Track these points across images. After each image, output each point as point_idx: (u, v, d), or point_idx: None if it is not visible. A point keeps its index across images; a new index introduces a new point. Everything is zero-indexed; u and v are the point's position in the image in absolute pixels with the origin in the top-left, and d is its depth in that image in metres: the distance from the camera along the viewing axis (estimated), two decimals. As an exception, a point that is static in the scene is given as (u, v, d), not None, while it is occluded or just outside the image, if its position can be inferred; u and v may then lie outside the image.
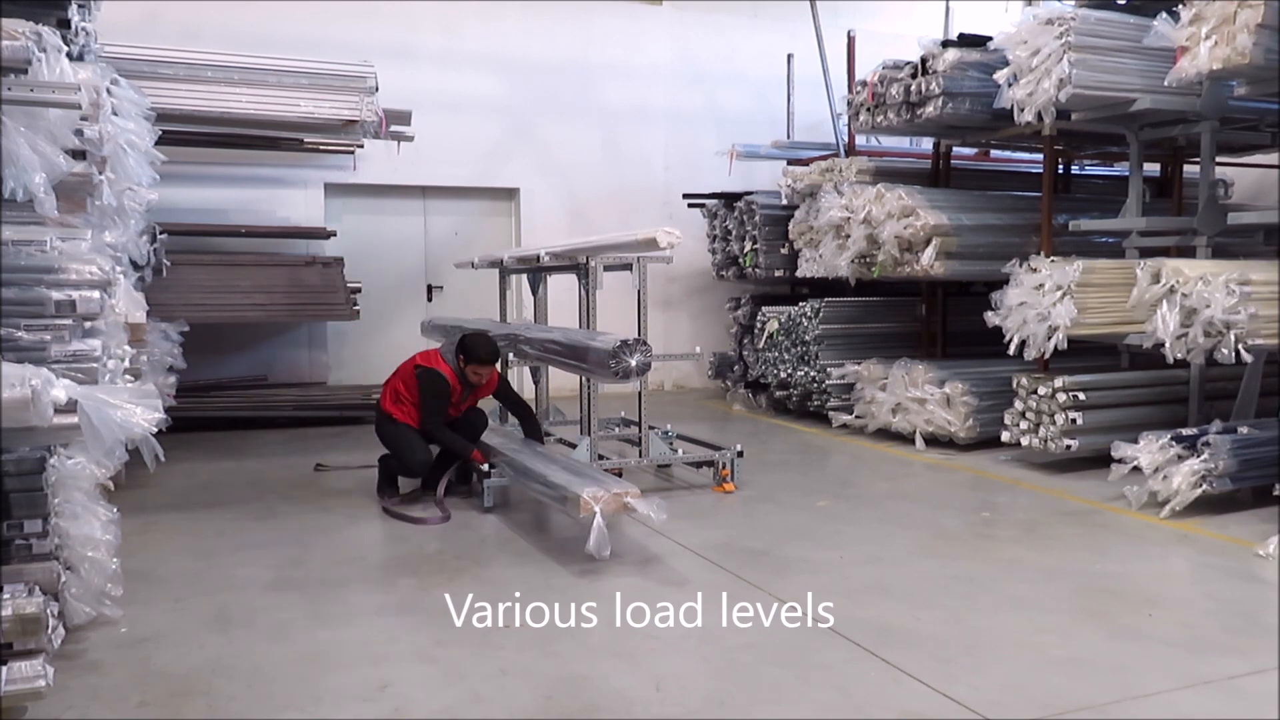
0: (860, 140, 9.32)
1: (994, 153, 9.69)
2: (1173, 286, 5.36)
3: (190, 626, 3.81)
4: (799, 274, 8.87)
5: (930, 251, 7.31)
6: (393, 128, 8.30)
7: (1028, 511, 5.63)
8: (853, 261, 7.93)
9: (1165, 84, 5.71)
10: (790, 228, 8.90)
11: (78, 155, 3.64)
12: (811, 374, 8.52)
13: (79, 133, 3.64)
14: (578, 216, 10.44)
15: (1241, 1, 5.14)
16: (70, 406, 2.83)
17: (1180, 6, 5.50)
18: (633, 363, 4.80)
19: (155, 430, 3.06)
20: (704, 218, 10.23)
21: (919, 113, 7.66)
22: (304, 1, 9.24)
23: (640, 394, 6.21)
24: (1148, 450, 5.48)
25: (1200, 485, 5.30)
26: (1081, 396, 6.39)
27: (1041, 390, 6.51)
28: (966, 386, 7.23)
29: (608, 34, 10.74)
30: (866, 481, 6.53)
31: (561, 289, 7.77)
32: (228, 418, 8.49)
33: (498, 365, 6.12)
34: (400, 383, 5.96)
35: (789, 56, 10.60)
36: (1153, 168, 8.94)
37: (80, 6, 4.66)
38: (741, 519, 5.51)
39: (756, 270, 9.42)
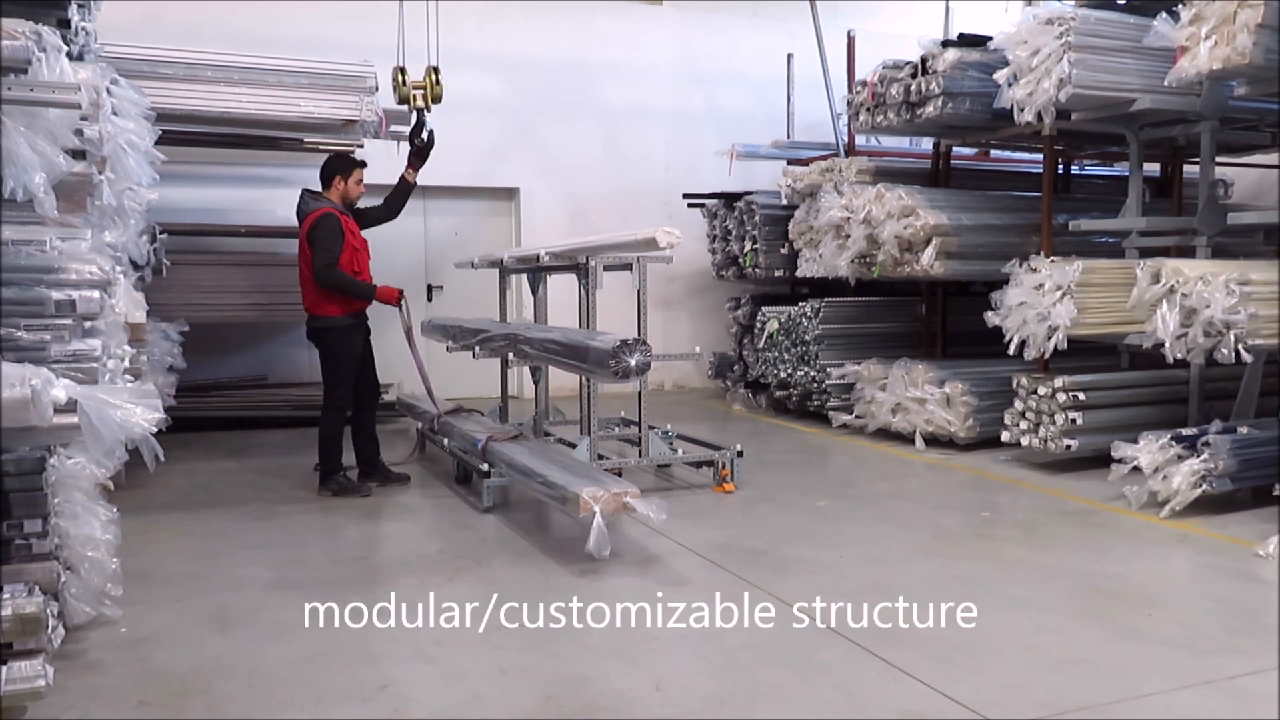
0: (860, 140, 9.32)
1: (994, 153, 9.69)
2: (1173, 286, 5.36)
3: (190, 626, 3.81)
4: (799, 274, 8.87)
5: (930, 251, 7.31)
6: (393, 128, 8.30)
7: (1028, 511, 5.63)
8: (853, 261, 7.93)
9: (1165, 84, 5.70)
10: (790, 228, 8.90)
11: (78, 155, 3.64)
12: (811, 374, 8.52)
13: (79, 133, 3.64)
14: (578, 216, 10.44)
15: (1241, 1, 5.13)
16: (70, 406, 2.83)
17: (1180, 6, 5.50)
18: (632, 363, 4.79)
19: (155, 430, 3.06)
20: (704, 218, 10.23)
21: (919, 113, 7.66)
22: (304, 1, 9.24)
23: (640, 394, 6.21)
24: (1148, 450, 5.48)
25: (1200, 485, 5.30)
26: (1081, 396, 6.40)
27: (1041, 390, 6.52)
28: (966, 386, 7.23)
29: (608, 34, 10.74)
30: (866, 481, 6.53)
31: (561, 289, 7.76)
32: (228, 418, 8.50)
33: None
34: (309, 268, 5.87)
35: (789, 56, 10.60)
36: (1153, 168, 8.94)
37: (80, 6, 4.66)
38: (741, 519, 5.51)
39: (756, 270, 9.42)
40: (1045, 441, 6.49)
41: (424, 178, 9.89)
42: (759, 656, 3.51)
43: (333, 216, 5.85)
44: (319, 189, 6.08)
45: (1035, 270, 6.44)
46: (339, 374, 5.99)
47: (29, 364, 2.86)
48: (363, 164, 6.18)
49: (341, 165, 6.09)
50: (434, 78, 6.29)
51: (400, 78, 6.25)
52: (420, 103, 6.26)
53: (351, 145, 8.74)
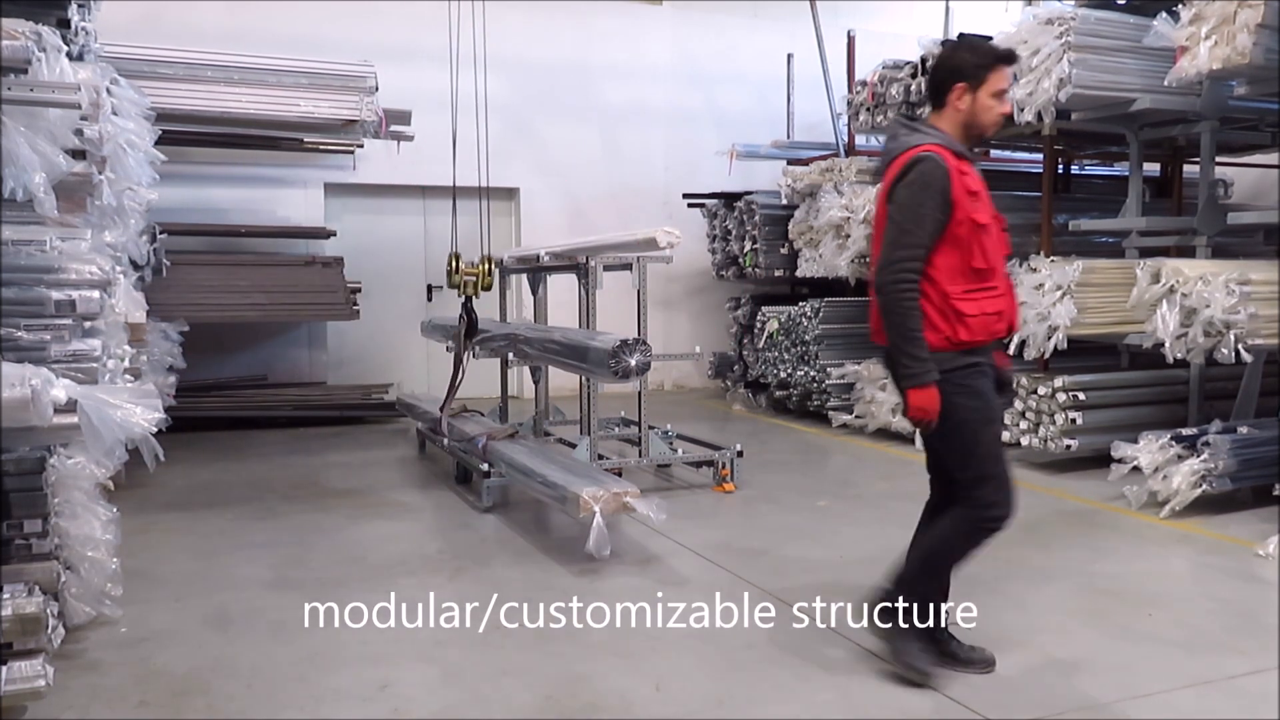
0: (860, 140, 9.31)
1: (994, 153, 9.69)
2: (1172, 286, 5.36)
3: (190, 626, 3.81)
4: (799, 274, 8.88)
5: (930, 251, 7.30)
6: (393, 128, 8.31)
7: (1028, 511, 5.58)
8: (853, 261, 7.94)
9: (1165, 84, 5.71)
10: (790, 228, 8.90)
11: (78, 155, 3.64)
12: (811, 374, 8.52)
13: (79, 133, 3.63)
14: (577, 216, 10.43)
15: (1241, 1, 5.14)
16: (70, 406, 2.83)
17: (1180, 6, 5.50)
18: (632, 362, 4.79)
19: (155, 430, 3.06)
20: (704, 218, 10.23)
21: (919, 113, 7.66)
22: (304, 1, 9.24)
23: (640, 394, 6.21)
24: (1148, 450, 5.48)
25: (1200, 485, 5.30)
26: (1081, 396, 6.39)
27: (1041, 390, 6.51)
28: (966, 386, 7.21)
29: (608, 34, 10.74)
30: (866, 481, 6.53)
31: (561, 289, 7.76)
32: (228, 418, 8.49)
33: None
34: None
35: (789, 56, 10.60)
36: (1153, 168, 8.94)
37: (80, 6, 4.66)
38: (741, 519, 5.51)
39: (756, 270, 9.42)
40: (1045, 441, 6.49)
41: (424, 178, 9.80)
42: (759, 656, 3.51)
43: (935, 161, 3.11)
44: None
45: (1035, 270, 6.44)
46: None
47: (29, 364, 2.86)
48: (1011, 59, 3.32)
49: (968, 64, 3.26)
50: (487, 266, 6.24)
51: (454, 264, 6.23)
52: (470, 290, 6.28)
53: (351, 145, 8.77)
